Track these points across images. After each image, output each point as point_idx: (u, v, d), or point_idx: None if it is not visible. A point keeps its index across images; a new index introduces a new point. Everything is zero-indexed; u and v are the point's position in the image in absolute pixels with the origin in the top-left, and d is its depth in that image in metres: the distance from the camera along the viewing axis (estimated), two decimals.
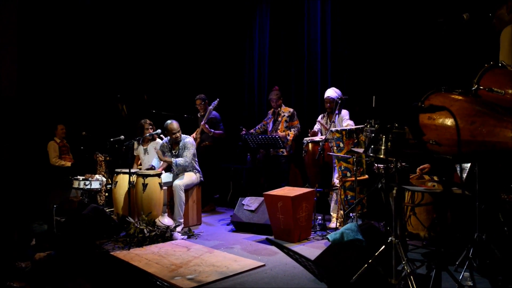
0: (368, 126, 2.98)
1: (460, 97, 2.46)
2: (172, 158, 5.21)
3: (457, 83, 2.64)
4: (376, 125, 2.84)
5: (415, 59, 4.85)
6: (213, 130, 6.31)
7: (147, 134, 5.67)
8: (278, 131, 5.87)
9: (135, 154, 6.11)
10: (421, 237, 4.28)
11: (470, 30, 3.80)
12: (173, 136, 5.24)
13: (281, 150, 5.78)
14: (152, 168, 5.46)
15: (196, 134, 6.30)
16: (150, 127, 5.94)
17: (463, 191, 2.99)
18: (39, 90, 7.14)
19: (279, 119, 5.95)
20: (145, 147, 5.93)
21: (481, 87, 2.54)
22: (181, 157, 5.26)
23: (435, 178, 4.29)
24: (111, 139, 5.54)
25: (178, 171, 5.30)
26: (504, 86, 2.47)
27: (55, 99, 7.26)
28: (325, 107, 5.36)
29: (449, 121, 2.36)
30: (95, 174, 5.90)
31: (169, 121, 5.29)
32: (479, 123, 2.25)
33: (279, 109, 5.97)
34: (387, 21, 5.44)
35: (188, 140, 5.34)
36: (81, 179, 5.54)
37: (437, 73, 4.37)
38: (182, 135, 5.35)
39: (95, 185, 5.59)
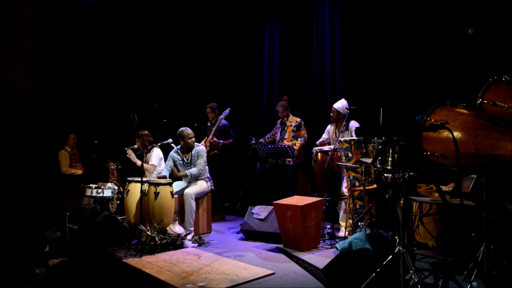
0: (375, 138, 3.05)
1: (464, 111, 2.52)
2: (186, 171, 5.30)
3: (462, 97, 2.70)
4: (383, 137, 2.90)
5: (421, 73, 4.90)
6: (222, 141, 6.40)
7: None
8: (285, 140, 5.93)
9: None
10: (429, 247, 4.31)
11: (475, 45, 3.85)
12: (189, 141, 5.34)
13: (288, 159, 5.84)
14: (163, 177, 5.54)
15: (205, 142, 6.38)
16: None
17: (462, 201, 3.03)
18: (52, 99, 7.29)
19: (286, 128, 6.01)
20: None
21: (485, 101, 2.60)
22: (194, 164, 5.35)
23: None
24: (125, 148, 5.63)
25: (190, 180, 5.40)
26: (507, 100, 2.53)
27: (68, 108, 7.41)
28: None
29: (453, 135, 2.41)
30: (107, 182, 5.98)
31: (182, 128, 5.40)
32: (483, 136, 2.31)
33: (286, 118, 6.04)
34: (395, 35, 5.51)
35: (201, 148, 5.45)
36: (93, 187, 5.63)
37: (442, 86, 4.42)
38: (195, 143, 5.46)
39: (107, 193, 5.68)
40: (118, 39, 7.97)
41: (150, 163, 5.72)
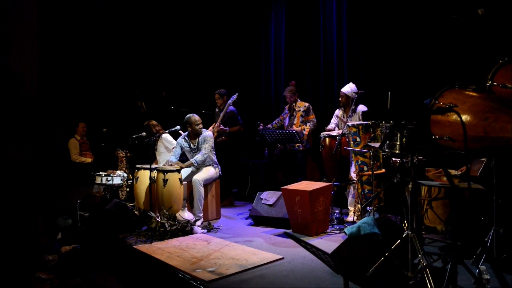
0: (383, 122, 3.03)
1: (473, 94, 2.48)
2: (191, 159, 5.31)
3: (471, 79, 2.66)
4: (391, 121, 2.89)
5: (430, 55, 4.82)
6: (227, 128, 6.40)
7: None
8: (294, 126, 5.92)
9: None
10: (438, 231, 4.31)
11: (484, 26, 3.77)
12: (197, 127, 5.34)
13: (298, 145, 5.83)
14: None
15: (213, 128, 6.38)
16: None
17: (469, 185, 3.01)
18: (61, 89, 7.33)
19: (295, 114, 5.99)
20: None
21: (495, 83, 2.56)
22: (200, 150, 5.36)
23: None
24: (134, 136, 5.65)
25: (198, 166, 5.41)
26: None
27: (76, 97, 7.45)
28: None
29: (462, 118, 2.38)
30: (117, 170, 6.03)
31: (190, 114, 5.41)
32: (492, 119, 2.28)
33: (294, 104, 6.02)
34: (402, 17, 5.41)
35: (208, 134, 5.46)
36: (103, 175, 5.69)
37: (451, 69, 4.35)
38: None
39: (117, 180, 5.74)
40: (125, 27, 7.95)
41: (170, 147, 5.83)
